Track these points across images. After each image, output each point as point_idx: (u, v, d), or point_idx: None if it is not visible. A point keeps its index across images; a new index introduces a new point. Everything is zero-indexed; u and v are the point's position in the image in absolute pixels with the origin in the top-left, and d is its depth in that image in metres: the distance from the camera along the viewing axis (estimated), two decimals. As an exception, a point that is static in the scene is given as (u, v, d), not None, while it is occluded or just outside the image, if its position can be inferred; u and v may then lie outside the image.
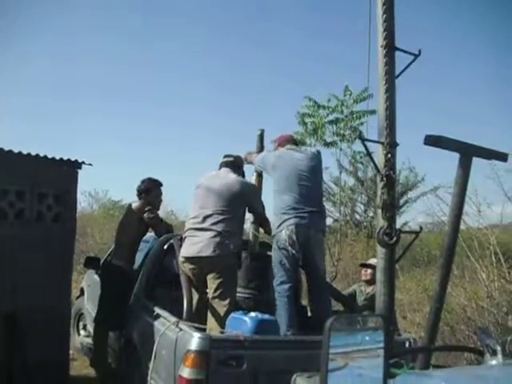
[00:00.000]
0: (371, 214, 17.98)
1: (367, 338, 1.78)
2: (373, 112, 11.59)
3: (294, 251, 4.64)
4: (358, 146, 12.99)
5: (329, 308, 4.99)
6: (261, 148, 5.54)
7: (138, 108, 43.90)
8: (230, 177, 5.01)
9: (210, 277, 4.72)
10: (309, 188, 4.86)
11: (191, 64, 44.54)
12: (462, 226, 7.42)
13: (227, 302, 4.64)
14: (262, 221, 5.30)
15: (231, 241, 4.73)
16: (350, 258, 13.70)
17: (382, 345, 1.73)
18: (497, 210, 7.45)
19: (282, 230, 4.70)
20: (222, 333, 4.24)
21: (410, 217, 20.68)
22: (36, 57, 36.01)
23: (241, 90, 44.05)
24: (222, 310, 4.59)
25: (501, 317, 6.57)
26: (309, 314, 5.39)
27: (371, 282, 6.26)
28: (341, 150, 12.15)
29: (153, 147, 41.66)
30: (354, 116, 12.18)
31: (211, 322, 4.60)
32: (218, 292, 4.66)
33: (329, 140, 11.84)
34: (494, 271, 6.85)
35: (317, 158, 5.12)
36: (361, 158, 13.94)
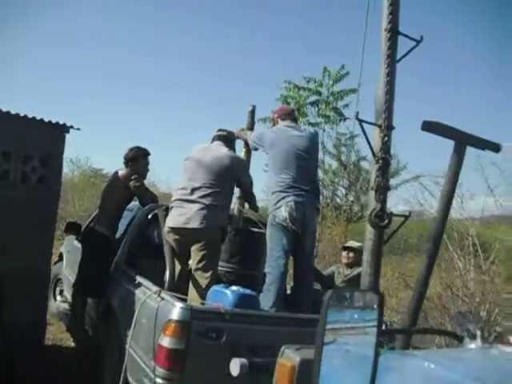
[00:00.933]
0: (351, 199, 18.12)
1: (356, 316, 1.81)
2: (354, 90, 11.68)
3: (294, 227, 4.65)
4: (341, 128, 13.07)
5: (311, 287, 5.04)
6: (252, 124, 5.54)
7: (125, 87, 44.43)
8: (221, 150, 5.01)
9: (194, 248, 4.74)
10: (306, 168, 4.88)
11: (181, 47, 45.17)
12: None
13: (209, 274, 4.67)
14: (248, 196, 5.32)
15: (218, 214, 4.76)
16: (328, 240, 13.81)
17: (371, 323, 1.75)
18: (479, 201, 7.57)
19: (281, 206, 4.69)
20: (202, 304, 4.28)
21: (391, 203, 20.81)
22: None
23: (228, 74, 44.72)
24: (203, 282, 4.63)
25: (474, 306, 6.69)
26: (288, 291, 5.45)
27: (352, 264, 6.33)
28: (324, 131, 12.21)
29: (138, 122, 42.11)
30: (336, 96, 12.24)
31: (192, 294, 4.63)
32: (201, 264, 4.69)
33: (312, 121, 11.88)
34: (470, 262, 6.97)
35: (314, 138, 5.15)
36: (346, 140, 14.03)
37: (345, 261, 6.52)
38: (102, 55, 46.88)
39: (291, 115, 5.34)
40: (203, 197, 4.75)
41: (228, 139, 5.18)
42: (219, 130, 5.22)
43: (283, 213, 4.67)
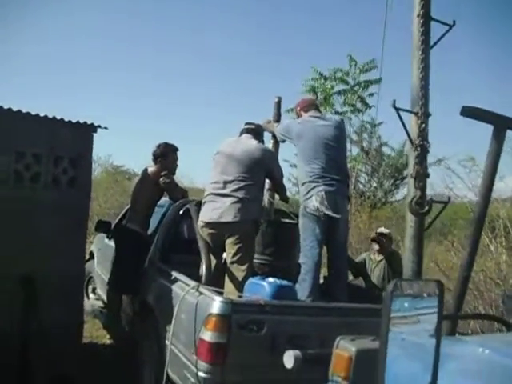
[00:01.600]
0: (374, 185, 18.04)
1: (406, 304, 1.81)
2: (379, 81, 11.62)
3: (328, 214, 4.64)
4: (366, 116, 13.04)
5: (345, 276, 5.04)
6: (278, 116, 5.54)
7: (143, 81, 44.69)
8: (250, 143, 5.03)
9: (229, 242, 4.78)
10: (334, 156, 4.86)
11: (203, 42, 45.30)
12: (473, 198, 7.49)
13: (245, 266, 4.71)
14: (278, 188, 5.34)
15: (252, 207, 4.78)
16: (353, 227, 13.72)
17: (426, 311, 1.76)
18: (508, 181, 7.49)
19: (312, 196, 4.69)
20: (240, 297, 4.30)
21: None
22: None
23: (251, 66, 44.83)
24: (240, 275, 4.66)
25: (507, 289, 6.63)
26: (321, 281, 5.46)
27: (383, 251, 6.38)
28: (350, 119, 12.17)
29: (156, 120, 42.41)
30: (362, 86, 12.14)
31: (229, 287, 4.66)
32: (236, 257, 4.73)
33: (340, 110, 11.84)
34: (502, 244, 6.90)
35: (341, 126, 5.11)
36: (372, 127, 13.98)
37: (376, 247, 6.55)
38: (116, 48, 47.10)
39: (314, 105, 5.34)
40: (236, 190, 4.78)
41: (256, 132, 5.20)
42: (247, 124, 5.23)
43: (314, 202, 4.67)
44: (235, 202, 4.75)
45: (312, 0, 39.06)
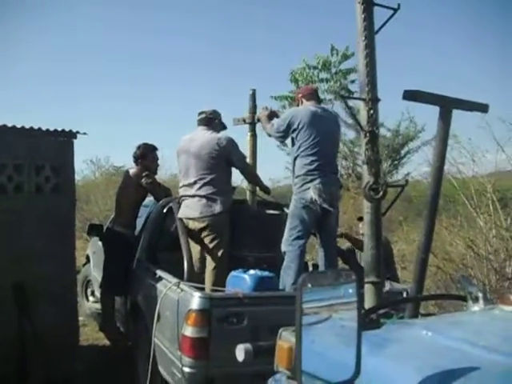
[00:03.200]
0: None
1: (350, 291, 1.84)
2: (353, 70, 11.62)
3: (325, 206, 4.69)
4: (351, 102, 13.03)
5: (336, 262, 5.11)
6: (253, 108, 5.54)
7: (138, 71, 44.85)
8: (205, 136, 5.14)
9: (203, 235, 5.00)
10: (330, 149, 4.99)
11: (190, 24, 45.42)
12: (458, 176, 7.50)
13: (220, 253, 4.93)
14: (246, 175, 5.45)
15: (217, 201, 4.98)
16: (353, 211, 13.67)
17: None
18: (491, 157, 7.48)
19: (308, 188, 4.71)
20: (222, 291, 4.37)
21: (412, 167, 20.59)
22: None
23: (235, 47, 45.00)
24: (216, 260, 4.89)
25: (499, 263, 6.64)
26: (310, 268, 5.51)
27: None
28: (332, 105, 12.15)
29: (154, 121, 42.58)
30: (342, 73, 12.15)
31: (208, 275, 4.90)
32: (211, 245, 4.97)
33: (322, 97, 11.87)
34: (492, 219, 6.89)
35: (337, 120, 5.31)
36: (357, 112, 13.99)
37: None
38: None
39: (315, 95, 5.26)
40: (200, 189, 5.01)
41: (209, 120, 5.25)
42: (199, 114, 5.30)
43: (312, 194, 4.67)
44: (200, 200, 5.00)
45: None
